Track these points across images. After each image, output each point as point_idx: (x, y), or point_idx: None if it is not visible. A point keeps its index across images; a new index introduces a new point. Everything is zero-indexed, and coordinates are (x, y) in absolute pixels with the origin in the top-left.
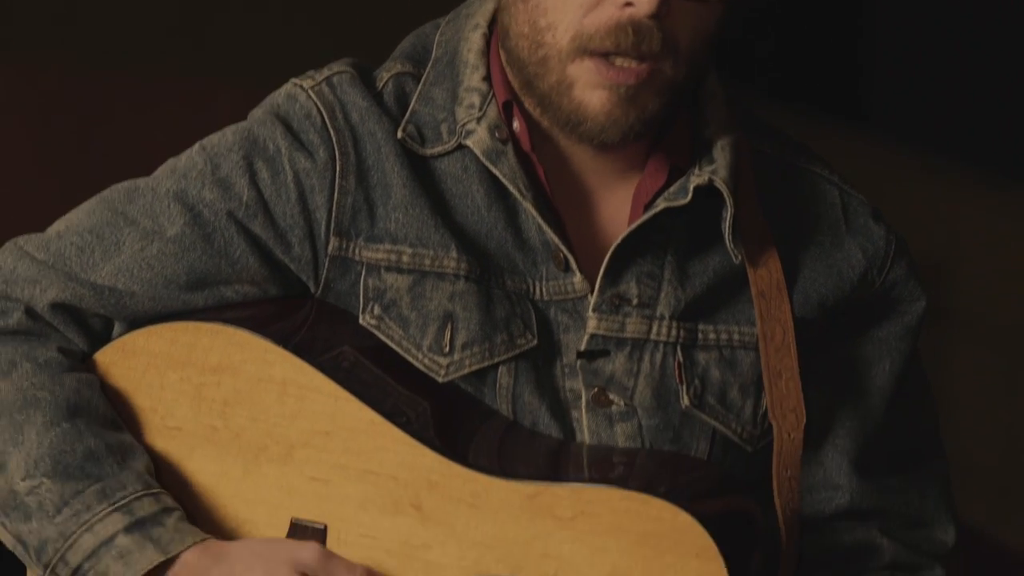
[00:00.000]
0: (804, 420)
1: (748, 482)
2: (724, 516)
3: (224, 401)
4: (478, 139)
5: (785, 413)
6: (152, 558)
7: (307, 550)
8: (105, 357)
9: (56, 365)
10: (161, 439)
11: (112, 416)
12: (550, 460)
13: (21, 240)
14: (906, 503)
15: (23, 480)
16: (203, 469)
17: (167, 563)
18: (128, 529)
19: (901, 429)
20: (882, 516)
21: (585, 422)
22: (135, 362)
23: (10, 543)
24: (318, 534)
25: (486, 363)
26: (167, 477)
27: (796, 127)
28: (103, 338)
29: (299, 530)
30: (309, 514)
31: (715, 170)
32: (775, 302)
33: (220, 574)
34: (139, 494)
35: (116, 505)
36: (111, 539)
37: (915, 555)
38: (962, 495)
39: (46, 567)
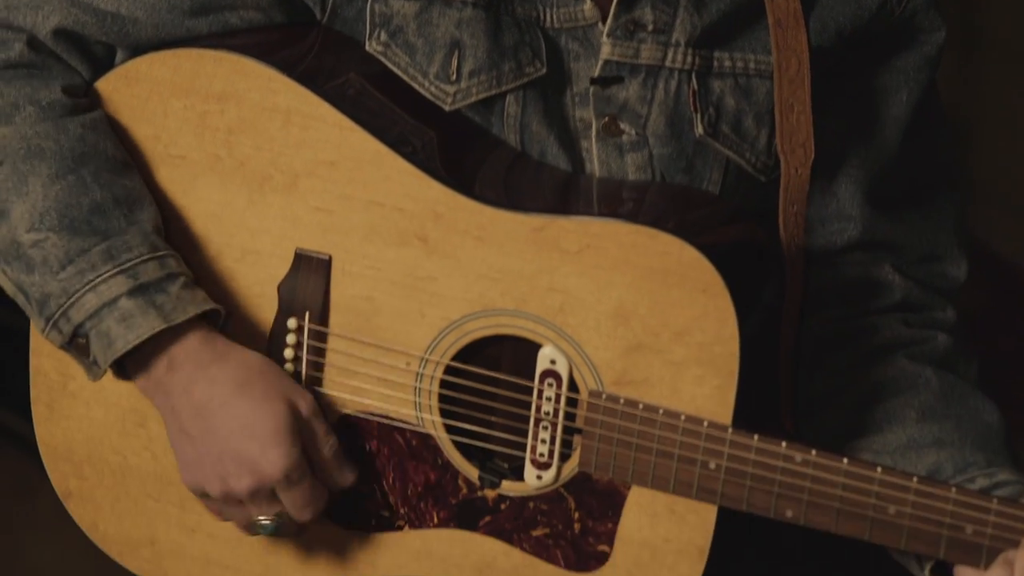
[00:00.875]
0: (812, 155)
1: (760, 214)
2: (733, 249)
3: (228, 130)
4: None
5: (794, 148)
6: (154, 324)
7: (305, 396)
8: (107, 85)
9: (60, 108)
10: (164, 168)
11: (120, 158)
12: (558, 192)
13: None
14: (919, 236)
15: (27, 232)
16: (207, 198)
17: (170, 335)
18: (131, 293)
19: (916, 161)
20: (894, 250)
21: (595, 152)
22: (138, 90)
23: (10, 291)
24: (322, 264)
25: (493, 91)
26: (171, 207)
27: None
28: (106, 65)
29: (303, 260)
30: (314, 245)
31: None
32: (791, 32)
33: (217, 373)
34: (144, 257)
35: (121, 267)
36: (114, 301)
37: (926, 293)
38: (990, 225)
39: (48, 320)
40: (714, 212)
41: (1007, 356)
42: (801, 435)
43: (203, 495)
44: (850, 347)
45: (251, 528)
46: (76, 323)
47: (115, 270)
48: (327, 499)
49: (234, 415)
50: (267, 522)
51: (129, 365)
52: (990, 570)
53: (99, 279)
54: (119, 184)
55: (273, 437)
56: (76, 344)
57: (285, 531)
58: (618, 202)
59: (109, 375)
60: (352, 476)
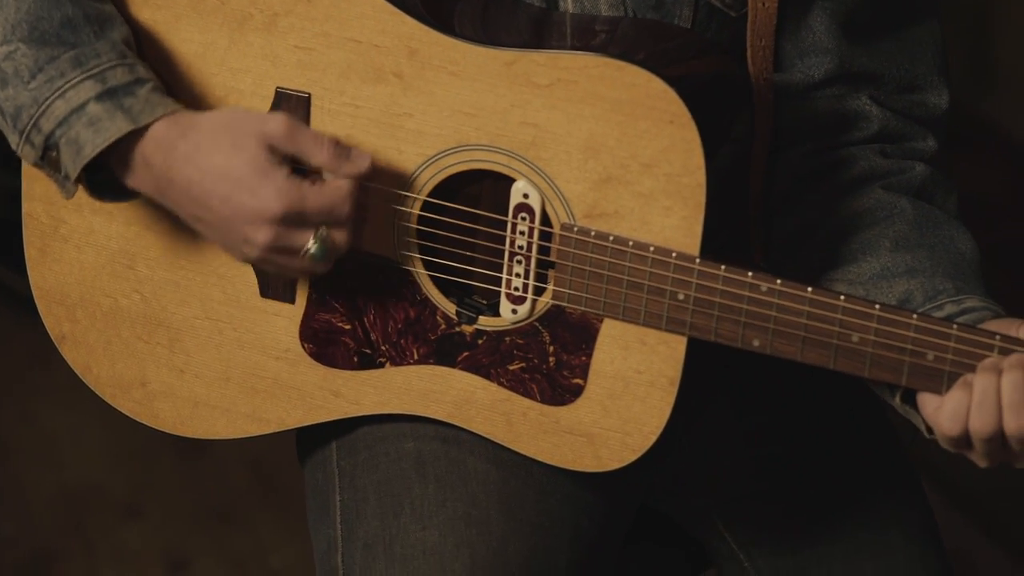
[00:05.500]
0: None
1: (733, 50)
2: (702, 81)
3: None
4: None
5: None
6: (121, 126)
7: (274, 121)
8: None
9: None
10: (147, 9)
11: None
12: (533, 27)
13: None
14: (897, 66)
15: (1, 46)
16: (189, 39)
17: (137, 135)
18: (99, 97)
19: None
20: (873, 82)
21: None
22: None
23: None
24: (302, 102)
25: None
26: (154, 48)
27: None
28: None
29: (284, 98)
30: (293, 83)
31: None
32: None
33: (187, 146)
34: (113, 63)
35: (89, 73)
36: (82, 106)
37: (906, 123)
38: (1012, 113)
39: (21, 134)
40: (685, 44)
41: None
42: (776, 271)
43: (258, 263)
44: (826, 180)
45: (307, 263)
46: (46, 133)
47: (83, 75)
48: (353, 191)
49: (214, 182)
50: (312, 246)
51: (117, 170)
52: (950, 392)
53: (68, 85)
54: (91, 4)
55: (254, 177)
56: (48, 159)
57: (331, 245)
58: (590, 35)
59: (100, 215)
60: (366, 160)
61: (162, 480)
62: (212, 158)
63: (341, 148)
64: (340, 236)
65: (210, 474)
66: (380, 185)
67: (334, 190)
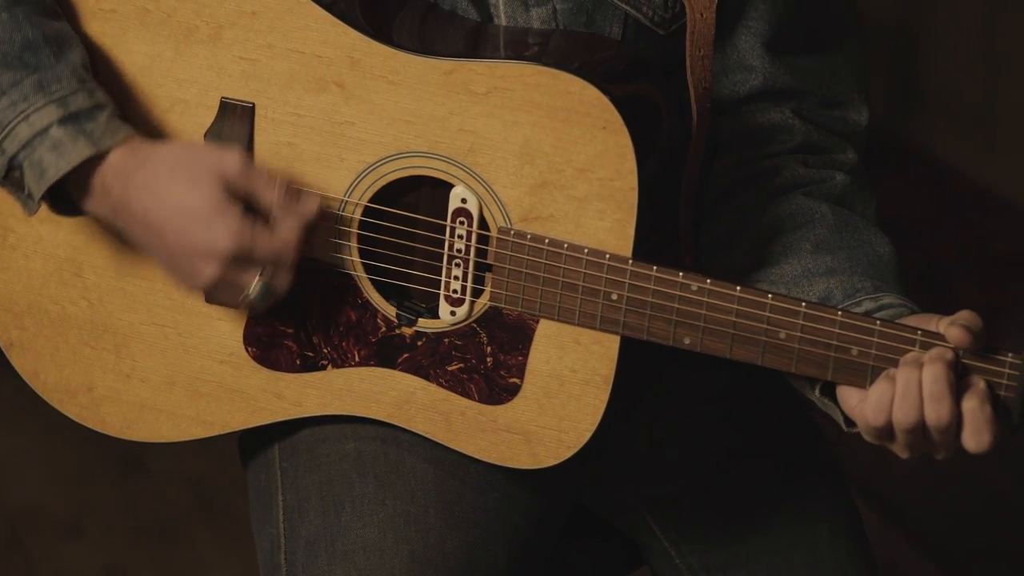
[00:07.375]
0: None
1: (663, 67)
2: (632, 91)
3: None
4: None
5: None
6: (84, 151)
7: (230, 159)
8: None
9: None
10: (96, 22)
11: (51, 5)
12: (468, 40)
13: None
14: (819, 84)
15: None
16: (136, 51)
17: (96, 162)
18: (62, 121)
19: (814, 10)
20: (795, 97)
21: (502, 6)
22: None
23: None
24: (246, 112)
25: None
26: (102, 60)
27: None
28: None
29: (228, 108)
30: (238, 93)
31: None
32: None
33: (144, 176)
34: (74, 89)
35: (52, 98)
36: (46, 130)
37: (827, 137)
38: (936, 135)
39: None
40: (616, 56)
41: (952, 262)
42: (704, 273)
43: (203, 294)
44: (751, 188)
45: (247, 304)
46: (10, 155)
47: (46, 100)
48: (300, 238)
49: (170, 214)
50: (253, 290)
51: (74, 193)
52: (874, 385)
53: (32, 109)
54: (49, 25)
55: (209, 214)
56: (11, 178)
57: (271, 289)
58: (524, 47)
59: (48, 224)
60: (315, 202)
61: (102, 499)
62: (169, 190)
63: (292, 189)
64: (282, 281)
65: (150, 493)
66: (322, 192)
67: (283, 235)
